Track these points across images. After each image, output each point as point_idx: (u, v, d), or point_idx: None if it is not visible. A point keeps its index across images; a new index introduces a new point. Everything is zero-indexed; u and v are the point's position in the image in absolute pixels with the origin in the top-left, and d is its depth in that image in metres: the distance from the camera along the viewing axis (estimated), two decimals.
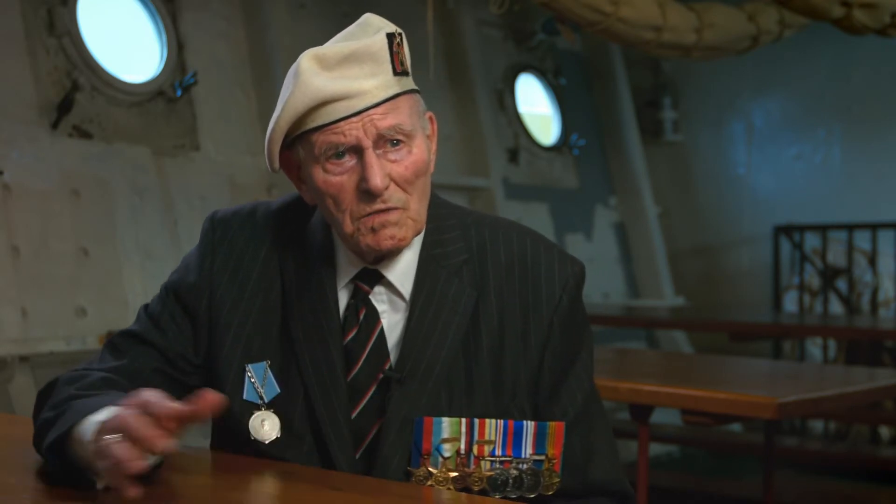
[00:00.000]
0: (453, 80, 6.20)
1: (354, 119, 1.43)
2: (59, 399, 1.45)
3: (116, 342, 1.58)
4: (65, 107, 4.39)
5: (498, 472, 1.48)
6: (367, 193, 1.44)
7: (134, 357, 1.55)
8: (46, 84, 4.41)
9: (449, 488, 1.47)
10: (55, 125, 4.39)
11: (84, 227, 4.39)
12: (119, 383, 1.50)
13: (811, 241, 6.89)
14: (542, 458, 1.50)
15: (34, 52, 4.38)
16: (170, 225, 4.72)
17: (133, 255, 4.55)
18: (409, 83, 1.48)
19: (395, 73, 1.45)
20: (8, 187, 4.16)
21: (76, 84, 4.47)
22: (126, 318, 4.44)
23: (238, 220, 1.61)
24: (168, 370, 1.56)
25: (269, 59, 5.13)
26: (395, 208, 1.46)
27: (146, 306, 1.61)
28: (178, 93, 4.86)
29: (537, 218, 6.42)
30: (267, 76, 5.12)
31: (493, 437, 1.49)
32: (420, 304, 1.52)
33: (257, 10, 5.21)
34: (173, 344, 1.56)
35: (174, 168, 4.79)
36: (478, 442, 1.48)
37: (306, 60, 1.44)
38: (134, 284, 4.53)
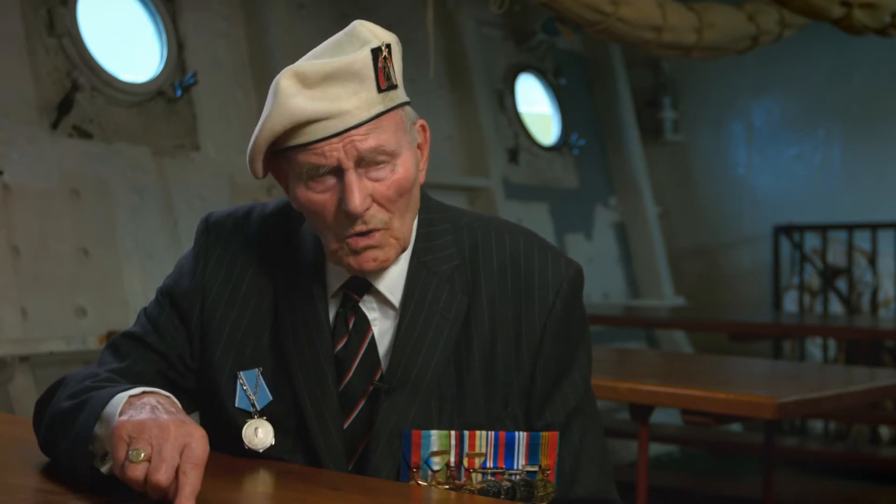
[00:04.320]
0: (453, 80, 6.20)
1: (335, 140, 1.40)
2: (77, 389, 1.43)
3: (118, 343, 1.57)
4: (65, 107, 4.39)
5: (490, 483, 1.45)
6: (346, 214, 1.42)
7: (136, 359, 1.54)
8: (46, 84, 4.41)
9: None
10: (55, 125, 4.39)
11: (84, 227, 4.39)
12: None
13: (811, 241, 6.89)
14: (536, 468, 1.47)
15: (34, 52, 4.38)
16: (170, 225, 4.72)
17: (133, 255, 4.55)
18: (395, 97, 1.44)
19: (380, 89, 1.41)
20: (8, 187, 4.16)
21: (76, 84, 4.47)
22: (126, 318, 4.44)
23: (232, 223, 1.59)
24: (169, 374, 1.54)
25: (269, 59, 5.13)
26: (377, 230, 1.44)
27: (145, 309, 1.60)
28: (178, 93, 4.86)
29: (537, 218, 6.42)
30: (267, 76, 5.11)
31: (483, 450, 1.45)
32: (410, 312, 1.49)
33: (257, 10, 5.21)
34: (172, 347, 1.55)
35: (174, 168, 4.79)
36: (468, 454, 1.45)
37: (285, 79, 1.40)
38: (134, 284, 4.53)
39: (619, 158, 7.17)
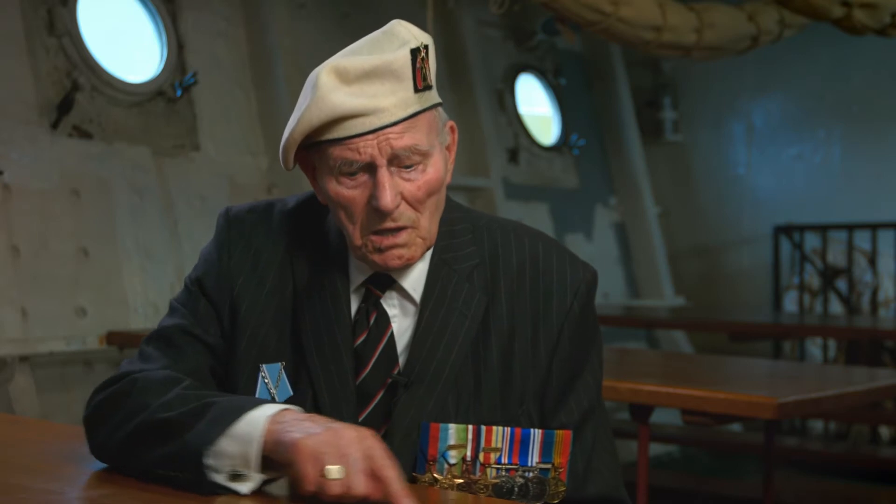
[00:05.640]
0: (453, 80, 6.20)
1: (370, 137, 1.41)
2: (170, 398, 1.39)
3: (169, 336, 1.54)
4: (65, 107, 4.40)
5: (504, 479, 1.47)
6: (377, 211, 1.43)
7: (191, 353, 1.52)
8: (46, 84, 4.41)
9: None
10: (55, 125, 4.39)
11: (84, 227, 4.40)
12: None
13: (811, 241, 6.89)
14: (549, 466, 1.49)
15: (34, 52, 4.38)
16: (170, 225, 4.72)
17: (133, 255, 4.55)
18: (430, 98, 1.46)
19: (417, 89, 1.43)
20: (8, 187, 4.16)
21: (76, 84, 4.47)
22: (126, 318, 4.44)
23: (254, 218, 1.59)
24: (216, 367, 1.54)
25: (269, 59, 5.13)
26: (405, 227, 1.45)
27: (178, 300, 1.58)
28: (178, 93, 4.86)
29: (537, 218, 6.42)
30: (267, 76, 5.12)
31: (499, 445, 1.47)
32: (430, 308, 1.50)
33: (257, 10, 5.21)
34: (215, 338, 1.54)
35: (174, 168, 4.80)
36: (484, 449, 1.47)
37: (325, 73, 1.41)
38: (134, 284, 4.53)
39: (619, 158, 7.17)
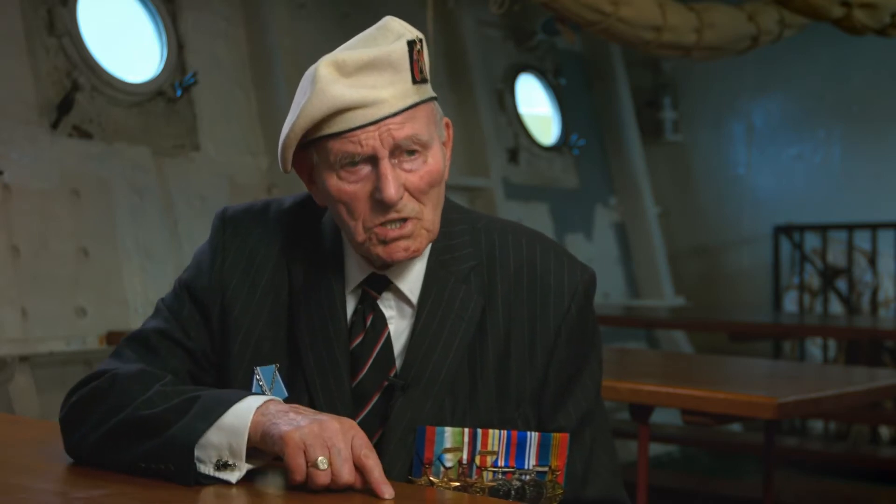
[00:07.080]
0: (453, 80, 6.20)
1: (371, 128, 1.41)
2: (151, 395, 1.40)
3: (147, 338, 1.54)
4: (65, 107, 4.40)
5: (500, 482, 1.46)
6: (380, 203, 1.42)
7: (168, 356, 1.53)
8: (46, 84, 4.41)
9: None
10: (55, 125, 4.39)
11: (84, 227, 4.40)
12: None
13: (811, 241, 6.89)
14: (546, 469, 1.48)
15: (34, 52, 4.38)
16: (170, 225, 4.72)
17: (133, 255, 4.55)
18: (427, 91, 1.46)
19: (415, 81, 1.43)
20: (8, 187, 4.16)
21: (76, 84, 4.47)
22: (126, 318, 4.44)
23: (249, 218, 1.59)
24: (193, 370, 1.54)
25: (269, 59, 5.13)
26: (409, 218, 1.44)
27: (164, 301, 1.59)
28: (178, 93, 4.86)
29: (537, 218, 6.42)
30: (267, 76, 5.12)
31: (495, 448, 1.47)
32: (426, 311, 1.50)
33: (257, 10, 5.21)
34: (197, 343, 1.54)
35: (174, 168, 4.80)
36: (480, 452, 1.46)
37: (324, 67, 1.41)
38: (134, 284, 4.53)
39: (619, 158, 7.18)
